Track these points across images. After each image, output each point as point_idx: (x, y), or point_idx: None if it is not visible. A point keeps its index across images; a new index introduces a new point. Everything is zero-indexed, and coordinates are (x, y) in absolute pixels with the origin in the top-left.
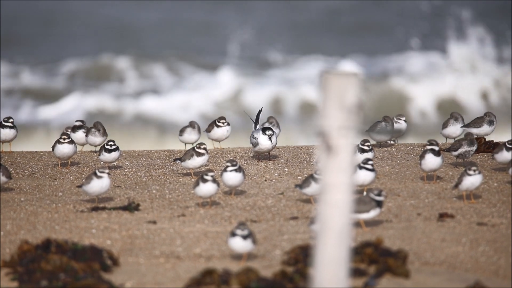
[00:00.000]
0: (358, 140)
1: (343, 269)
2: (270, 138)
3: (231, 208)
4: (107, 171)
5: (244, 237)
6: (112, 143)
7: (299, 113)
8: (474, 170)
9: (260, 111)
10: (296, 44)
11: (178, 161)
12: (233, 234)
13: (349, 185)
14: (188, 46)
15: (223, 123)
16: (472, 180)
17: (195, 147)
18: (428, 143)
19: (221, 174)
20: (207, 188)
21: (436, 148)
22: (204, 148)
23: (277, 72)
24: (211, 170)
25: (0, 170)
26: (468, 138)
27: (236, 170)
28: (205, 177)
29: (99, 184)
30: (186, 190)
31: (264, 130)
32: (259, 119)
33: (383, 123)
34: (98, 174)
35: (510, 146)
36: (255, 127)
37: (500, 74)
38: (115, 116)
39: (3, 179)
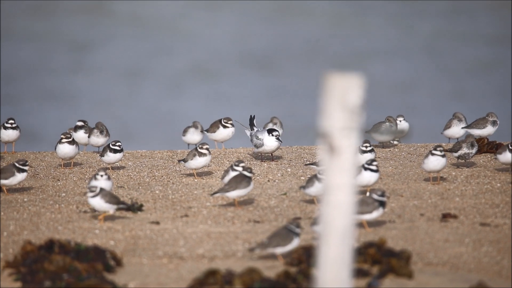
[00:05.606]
0: (360, 141)
1: (346, 270)
2: (278, 139)
3: (234, 208)
4: (101, 173)
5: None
6: (120, 143)
7: None
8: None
9: (253, 118)
10: None
11: (182, 162)
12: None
13: (352, 186)
14: None
15: (231, 124)
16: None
17: (197, 148)
18: (433, 149)
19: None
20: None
21: (441, 153)
22: (207, 149)
23: None
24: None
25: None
26: (469, 140)
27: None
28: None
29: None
30: (189, 191)
31: (269, 131)
32: (254, 125)
33: (387, 123)
34: (97, 177)
35: None
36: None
37: None
38: None
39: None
